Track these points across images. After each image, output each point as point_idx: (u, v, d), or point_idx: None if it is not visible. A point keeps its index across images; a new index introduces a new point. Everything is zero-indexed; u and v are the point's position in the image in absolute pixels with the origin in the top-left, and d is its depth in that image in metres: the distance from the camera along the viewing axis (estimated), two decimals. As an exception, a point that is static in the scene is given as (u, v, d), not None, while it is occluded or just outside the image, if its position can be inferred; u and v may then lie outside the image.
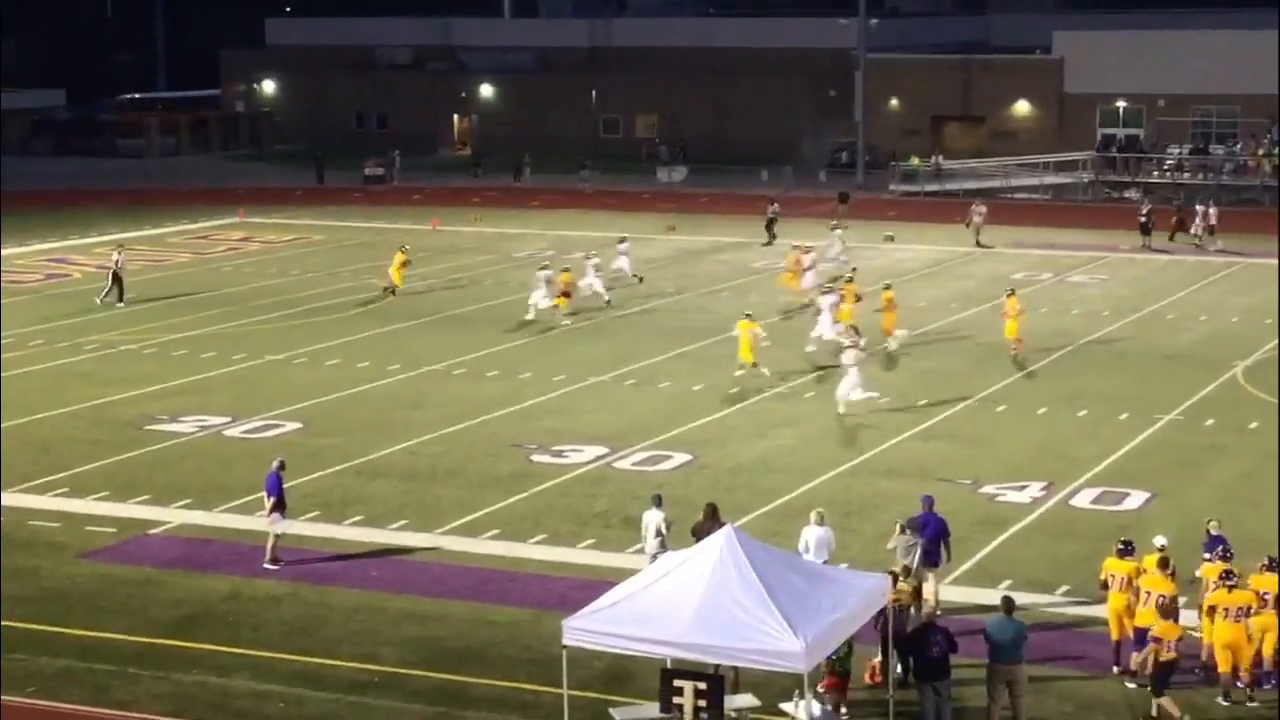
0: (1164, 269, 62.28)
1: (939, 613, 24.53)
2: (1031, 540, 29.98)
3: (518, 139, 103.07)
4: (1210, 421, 38.46)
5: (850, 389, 39.32)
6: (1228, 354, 45.78)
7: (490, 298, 55.53)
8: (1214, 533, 25.46)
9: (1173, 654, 22.49)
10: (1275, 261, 62.25)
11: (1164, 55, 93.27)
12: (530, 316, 50.74)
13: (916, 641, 22.23)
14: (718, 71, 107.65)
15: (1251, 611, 23.03)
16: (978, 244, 67.75)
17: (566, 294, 51.73)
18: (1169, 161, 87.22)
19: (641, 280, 57.17)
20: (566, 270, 53.22)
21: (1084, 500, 32.45)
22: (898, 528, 25.85)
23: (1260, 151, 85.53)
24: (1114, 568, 24.21)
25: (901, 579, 23.54)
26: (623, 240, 59.21)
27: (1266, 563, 24.00)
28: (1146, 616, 23.13)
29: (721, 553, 20.37)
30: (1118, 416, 38.94)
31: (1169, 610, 22.79)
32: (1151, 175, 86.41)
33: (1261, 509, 31.34)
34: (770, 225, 69.33)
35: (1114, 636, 23.93)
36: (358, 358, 45.99)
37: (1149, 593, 23.32)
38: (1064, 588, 27.04)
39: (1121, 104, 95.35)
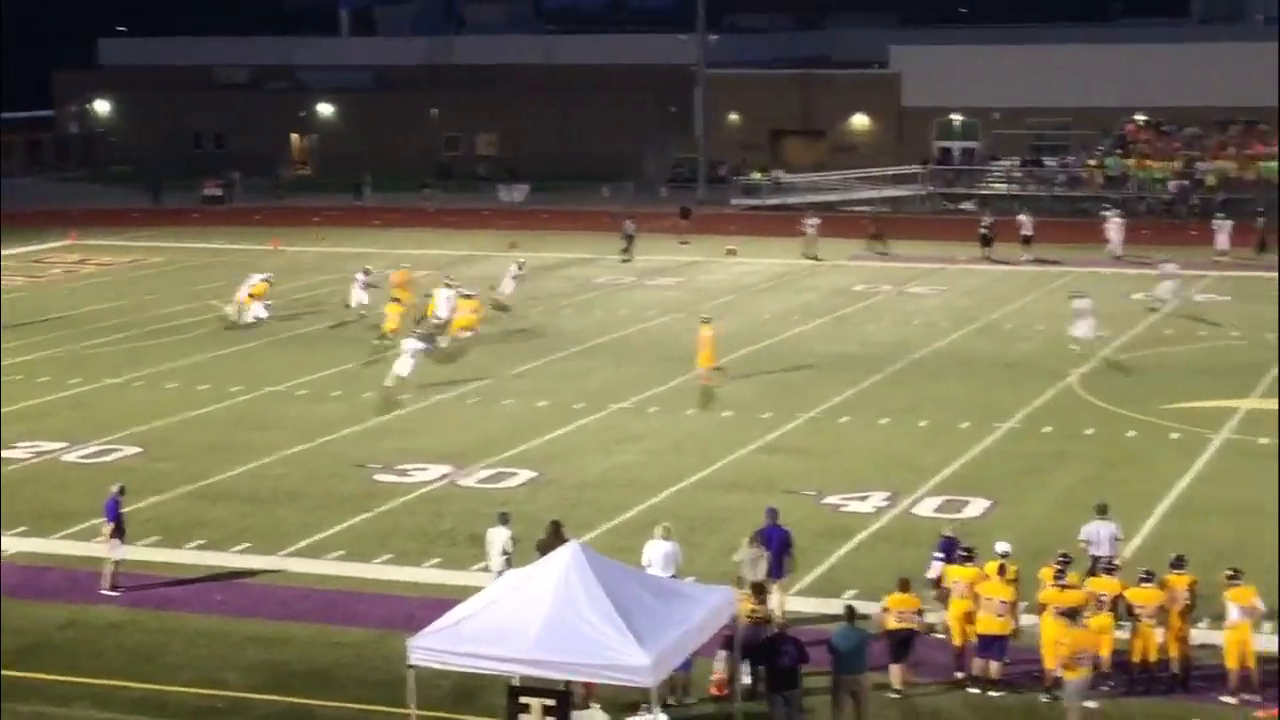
0: (1001, 279, 63.12)
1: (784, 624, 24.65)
2: (875, 549, 30.24)
3: (358, 158, 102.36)
4: (1048, 429, 39.03)
5: (403, 369, 43.15)
6: (1063, 362, 46.45)
7: (332, 318, 55.03)
8: (946, 535, 26.18)
9: (905, 624, 23.51)
10: (1104, 270, 63.64)
11: (998, 69, 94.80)
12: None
13: (767, 651, 22.32)
14: (558, 88, 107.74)
15: (1085, 613, 23.44)
16: (807, 256, 68.38)
17: (254, 295, 53.94)
18: (997, 173, 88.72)
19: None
20: (265, 281, 54.81)
21: (926, 509, 32.78)
22: (745, 541, 25.99)
23: (1092, 163, 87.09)
24: (955, 574, 24.51)
25: (752, 595, 23.69)
26: (366, 271, 56.92)
27: (1105, 565, 24.53)
28: (986, 623, 23.49)
29: (567, 568, 20.34)
30: (959, 425, 39.42)
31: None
32: (988, 187, 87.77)
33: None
34: (629, 241, 69.20)
35: (957, 642, 24.17)
36: (197, 380, 45.41)
37: (989, 599, 23.64)
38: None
39: (957, 117, 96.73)
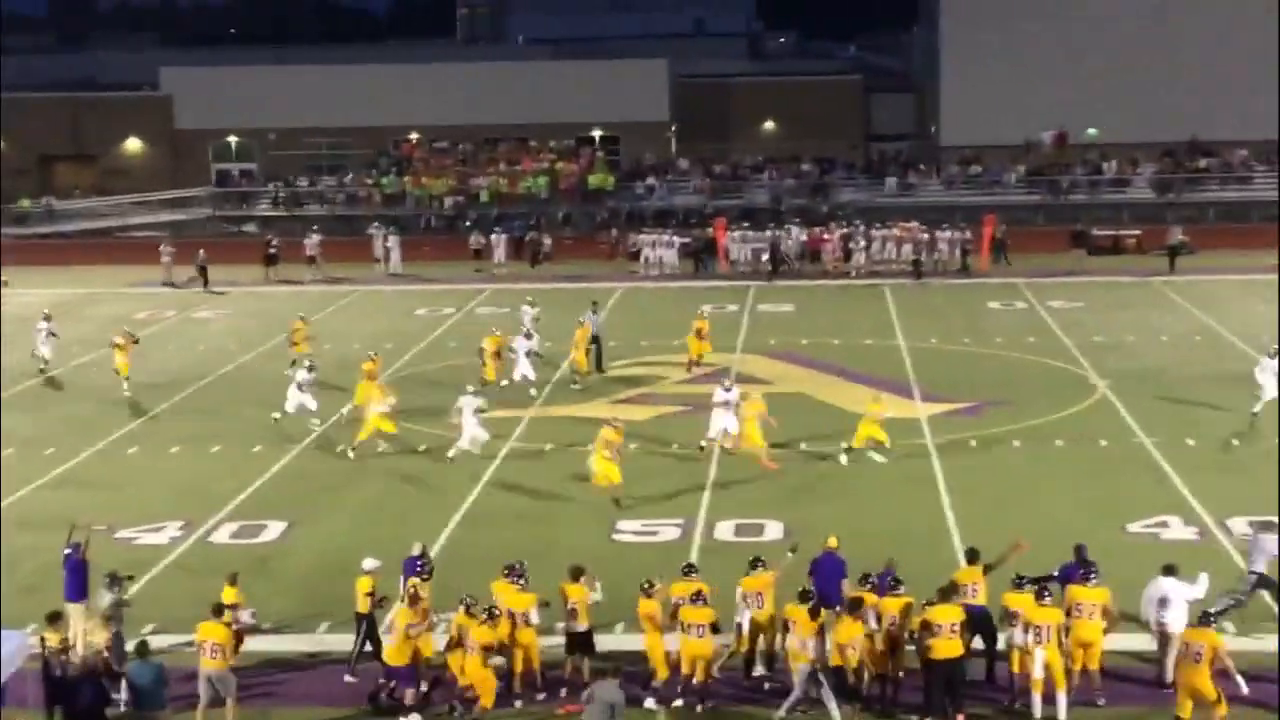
0: (287, 300, 63.10)
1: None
2: (173, 580, 29.61)
3: None
4: (342, 447, 39.19)
5: None
6: (348, 379, 46.75)
7: None
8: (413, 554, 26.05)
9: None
10: (385, 288, 64.73)
11: (272, 90, 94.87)
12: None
13: (69, 692, 21.54)
14: None
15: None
16: (165, 283, 66.89)
17: None
18: (277, 194, 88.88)
19: None
20: None
21: (223, 536, 32.39)
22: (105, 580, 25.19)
23: (370, 181, 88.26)
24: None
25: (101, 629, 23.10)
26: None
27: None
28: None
29: None
30: (251, 449, 39.12)
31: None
32: (269, 208, 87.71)
33: (397, 525, 32.27)
34: (204, 271, 66.38)
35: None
36: None
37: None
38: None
39: (233, 139, 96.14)
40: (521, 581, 24.51)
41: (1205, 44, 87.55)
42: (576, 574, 24.74)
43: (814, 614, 22.98)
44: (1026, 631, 22.92)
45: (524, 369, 44.96)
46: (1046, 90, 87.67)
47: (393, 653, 23.44)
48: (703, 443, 37.55)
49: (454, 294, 63.52)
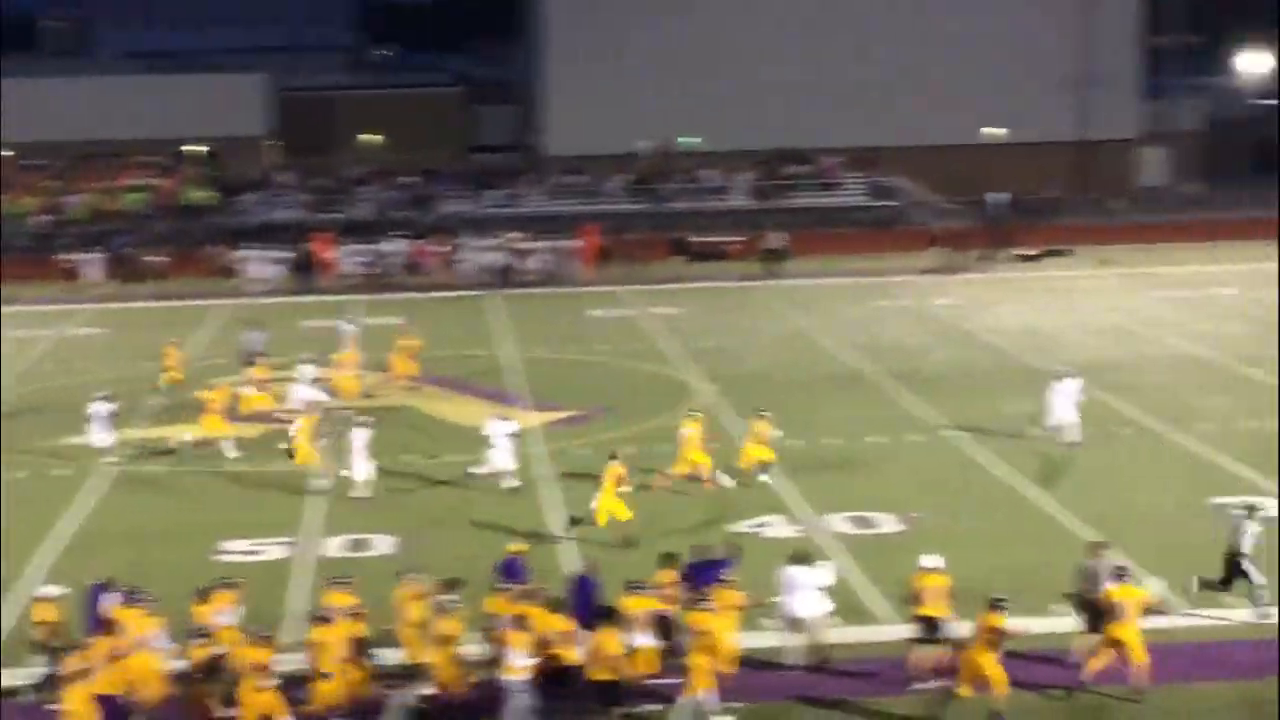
0: None
1: None
2: None
3: None
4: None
5: None
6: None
7: None
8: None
9: None
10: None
11: None
12: None
13: None
14: None
15: None
16: None
17: None
18: None
19: None
20: None
21: None
22: None
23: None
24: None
25: None
26: None
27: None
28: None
29: None
30: None
31: None
32: None
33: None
34: None
35: None
36: None
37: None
38: None
39: None
40: (152, 605, 23.87)
41: (800, 53, 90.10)
42: (205, 595, 24.20)
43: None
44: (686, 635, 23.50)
45: (306, 395, 42.34)
46: (649, 100, 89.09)
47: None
48: (473, 470, 35.70)
49: (47, 315, 61.45)
